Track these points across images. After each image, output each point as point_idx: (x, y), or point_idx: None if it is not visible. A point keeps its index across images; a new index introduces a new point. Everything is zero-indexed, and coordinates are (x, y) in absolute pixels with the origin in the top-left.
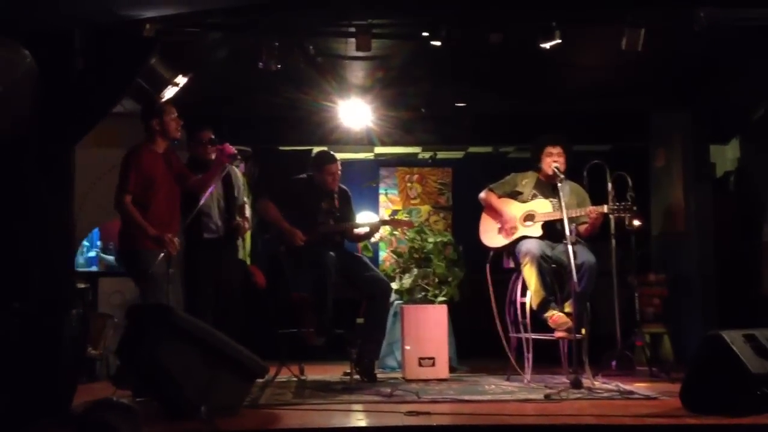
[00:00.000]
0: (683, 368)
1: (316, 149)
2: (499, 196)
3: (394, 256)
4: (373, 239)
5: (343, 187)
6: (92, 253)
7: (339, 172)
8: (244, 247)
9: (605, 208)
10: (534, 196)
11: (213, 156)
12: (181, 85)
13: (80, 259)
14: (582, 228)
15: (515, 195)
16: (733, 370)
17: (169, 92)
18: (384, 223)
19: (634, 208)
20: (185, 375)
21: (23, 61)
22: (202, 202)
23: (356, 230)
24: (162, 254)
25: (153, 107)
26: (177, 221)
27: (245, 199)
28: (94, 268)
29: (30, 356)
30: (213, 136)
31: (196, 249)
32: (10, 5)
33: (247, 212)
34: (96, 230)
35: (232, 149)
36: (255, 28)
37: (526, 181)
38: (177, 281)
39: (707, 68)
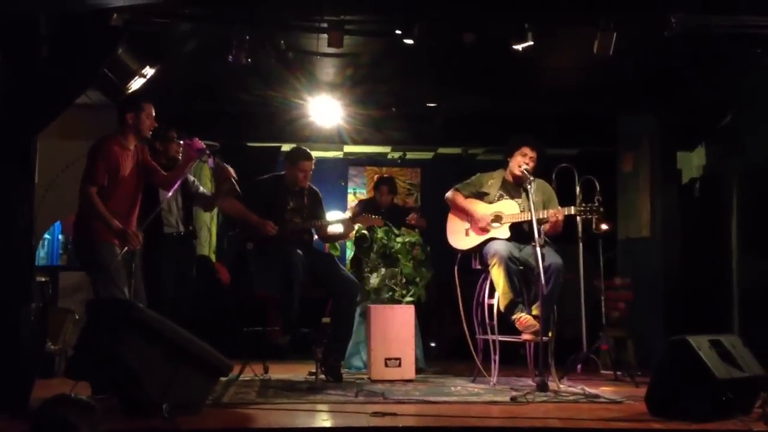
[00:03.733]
0: (648, 372)
1: (285, 146)
2: (466, 197)
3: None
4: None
5: (314, 187)
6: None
7: (311, 171)
8: (210, 243)
9: (572, 210)
10: (500, 197)
11: (179, 152)
12: (148, 77)
13: (41, 253)
14: (546, 227)
15: (481, 196)
16: (699, 375)
17: (136, 83)
18: (354, 220)
19: (601, 209)
20: (147, 372)
21: None
22: (169, 195)
23: (329, 230)
24: (125, 249)
25: (132, 102)
26: (135, 216)
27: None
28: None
29: None
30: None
31: (156, 244)
32: None
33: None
34: (58, 223)
35: (201, 144)
36: (225, 20)
37: (492, 182)
38: (139, 276)
39: (676, 73)
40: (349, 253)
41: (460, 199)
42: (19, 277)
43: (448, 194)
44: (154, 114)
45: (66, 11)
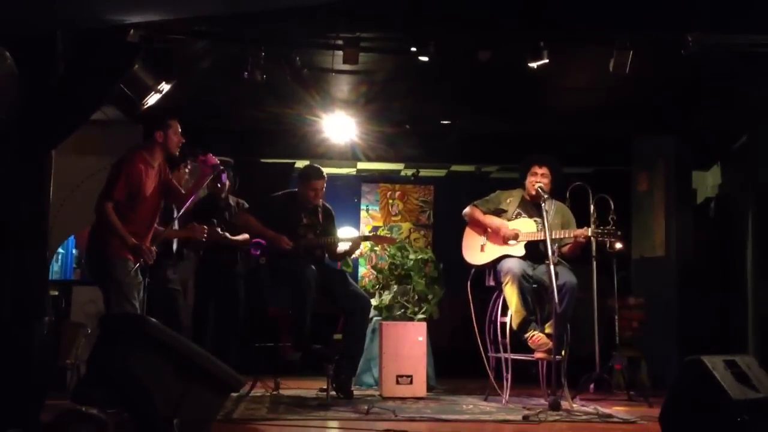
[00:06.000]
0: (661, 392)
1: (299, 163)
2: (484, 213)
3: (374, 272)
4: (353, 255)
5: (327, 204)
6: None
7: (323, 189)
8: None
9: (589, 231)
10: (518, 215)
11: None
12: (164, 93)
13: (54, 267)
14: (565, 249)
15: (499, 213)
16: (714, 396)
17: (152, 99)
18: (365, 238)
19: (618, 233)
20: (158, 387)
21: (2, 63)
22: (181, 211)
23: (339, 249)
24: (138, 264)
25: (159, 119)
26: (151, 234)
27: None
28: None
29: None
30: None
31: (165, 262)
32: None
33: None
34: (71, 238)
35: (215, 159)
36: (241, 37)
37: (510, 200)
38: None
39: (692, 94)
40: (362, 270)
41: (479, 214)
42: (33, 291)
43: (466, 210)
44: (180, 130)
45: (82, 28)
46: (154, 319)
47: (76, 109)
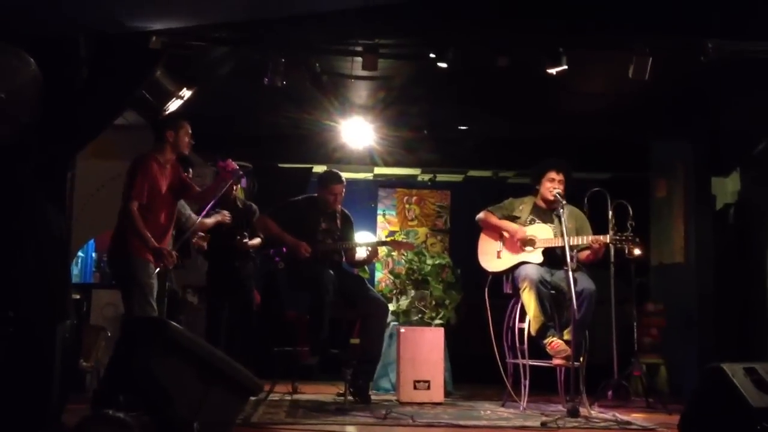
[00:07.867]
0: (680, 400)
1: (317, 167)
2: (498, 218)
3: (391, 277)
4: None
5: (346, 210)
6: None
7: (342, 194)
8: None
9: (607, 238)
10: (532, 221)
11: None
12: (185, 99)
13: (74, 270)
14: (583, 255)
15: (513, 219)
16: (734, 403)
17: (173, 105)
18: (383, 243)
19: (637, 239)
20: (178, 390)
21: (27, 68)
22: (201, 217)
23: (357, 256)
24: (158, 268)
25: (171, 119)
26: (169, 236)
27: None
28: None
29: (22, 366)
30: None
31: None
32: (16, 12)
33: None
34: (91, 242)
35: (234, 165)
36: (261, 43)
37: (523, 207)
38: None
39: (710, 99)
40: (379, 275)
41: (494, 219)
42: (55, 294)
43: (480, 215)
44: (190, 131)
45: (106, 34)
46: (174, 323)
47: (99, 113)
